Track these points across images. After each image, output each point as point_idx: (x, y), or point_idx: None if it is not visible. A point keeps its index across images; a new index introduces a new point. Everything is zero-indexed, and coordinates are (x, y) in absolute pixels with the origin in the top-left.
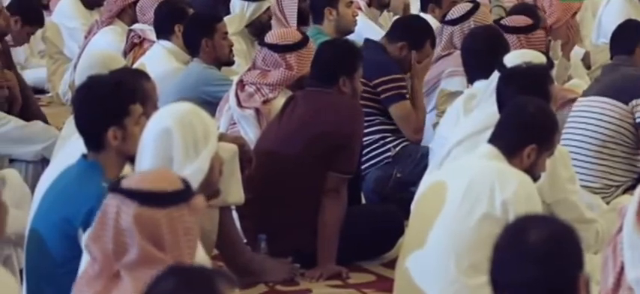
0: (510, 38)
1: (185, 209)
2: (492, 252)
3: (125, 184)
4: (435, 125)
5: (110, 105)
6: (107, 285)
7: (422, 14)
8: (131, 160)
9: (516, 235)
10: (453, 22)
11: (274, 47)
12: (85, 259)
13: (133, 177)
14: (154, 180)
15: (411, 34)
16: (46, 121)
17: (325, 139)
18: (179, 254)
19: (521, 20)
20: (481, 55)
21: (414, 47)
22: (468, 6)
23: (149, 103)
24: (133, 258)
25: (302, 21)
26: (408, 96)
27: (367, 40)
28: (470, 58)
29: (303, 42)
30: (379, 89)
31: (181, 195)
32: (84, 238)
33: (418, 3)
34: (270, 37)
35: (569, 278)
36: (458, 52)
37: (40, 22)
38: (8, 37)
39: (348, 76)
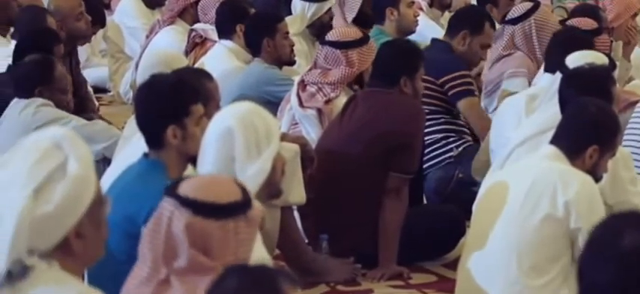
0: None
1: (242, 221)
2: (584, 247)
3: (182, 189)
4: None
5: (170, 103)
6: (157, 290)
7: None
8: (193, 160)
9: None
10: (514, 22)
11: (336, 44)
12: None
13: (191, 182)
14: (211, 188)
15: (469, 20)
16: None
17: (386, 138)
18: (229, 262)
19: (587, 23)
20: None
21: (475, 32)
22: (528, 5)
23: (211, 103)
24: (182, 265)
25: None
26: (476, 92)
27: (433, 40)
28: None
29: (364, 39)
30: (446, 87)
31: (238, 207)
32: None
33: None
34: (331, 35)
35: None
36: (519, 53)
37: (101, 22)
38: None
39: (410, 76)
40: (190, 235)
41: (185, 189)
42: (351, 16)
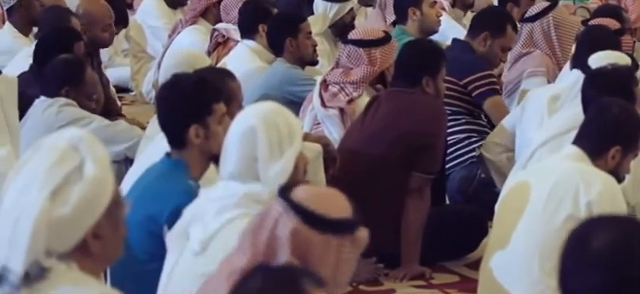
0: None
1: (347, 241)
2: (559, 258)
3: (295, 194)
4: None
5: (192, 102)
6: None
7: None
8: (215, 159)
9: (580, 239)
10: (532, 19)
11: (359, 42)
12: (169, 258)
13: (306, 189)
14: (324, 200)
15: (491, 22)
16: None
17: (409, 139)
18: (325, 276)
19: (609, 24)
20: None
21: (496, 34)
22: (546, 3)
23: (234, 103)
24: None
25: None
26: (500, 91)
27: (454, 40)
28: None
29: (387, 38)
30: (470, 87)
31: (347, 225)
32: (169, 235)
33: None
34: (354, 34)
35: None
36: (538, 52)
37: (124, 23)
38: None
39: (432, 76)
40: (294, 242)
41: (298, 195)
42: (391, 18)
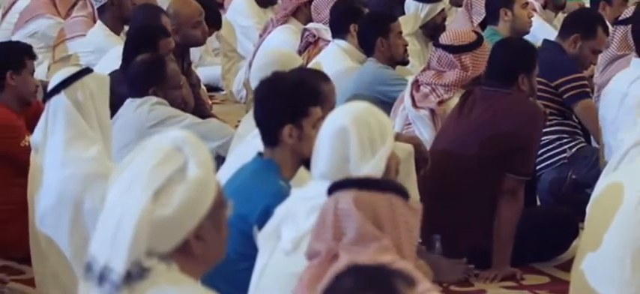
0: None
1: (400, 201)
2: None
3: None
4: None
5: (290, 102)
6: (326, 267)
7: None
8: (306, 163)
9: None
10: (626, 22)
11: (449, 48)
12: (260, 258)
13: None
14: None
15: (582, 24)
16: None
17: (505, 140)
18: (398, 239)
19: None
20: None
21: (587, 37)
22: None
23: (327, 106)
24: (351, 237)
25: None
26: (591, 94)
27: (545, 41)
28: None
29: (478, 42)
30: (562, 89)
31: (399, 189)
32: (260, 235)
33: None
34: (444, 38)
35: None
36: (633, 54)
37: (217, 24)
38: None
39: (527, 74)
40: (358, 206)
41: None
42: (478, 19)
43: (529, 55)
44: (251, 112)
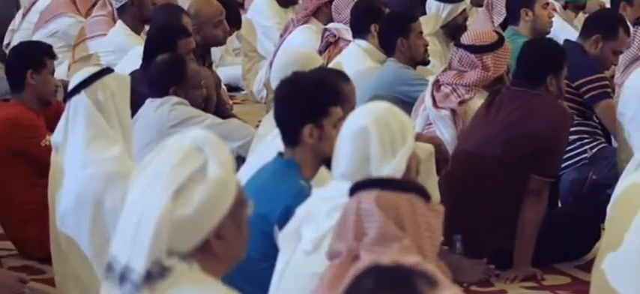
0: None
1: (421, 202)
2: None
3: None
4: None
5: (310, 102)
6: (348, 268)
7: None
8: (327, 162)
9: None
10: None
11: (470, 48)
12: (281, 257)
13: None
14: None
15: (603, 24)
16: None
17: (533, 141)
18: (420, 239)
19: None
20: None
21: (608, 37)
22: None
23: (347, 106)
24: (372, 237)
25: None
26: (612, 95)
27: (567, 41)
28: None
29: (499, 42)
30: (583, 90)
31: (420, 190)
32: (281, 234)
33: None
34: (466, 38)
35: None
36: None
37: (237, 24)
38: None
39: (556, 75)
40: (380, 205)
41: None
42: (499, 19)
43: (558, 57)
44: (271, 112)
